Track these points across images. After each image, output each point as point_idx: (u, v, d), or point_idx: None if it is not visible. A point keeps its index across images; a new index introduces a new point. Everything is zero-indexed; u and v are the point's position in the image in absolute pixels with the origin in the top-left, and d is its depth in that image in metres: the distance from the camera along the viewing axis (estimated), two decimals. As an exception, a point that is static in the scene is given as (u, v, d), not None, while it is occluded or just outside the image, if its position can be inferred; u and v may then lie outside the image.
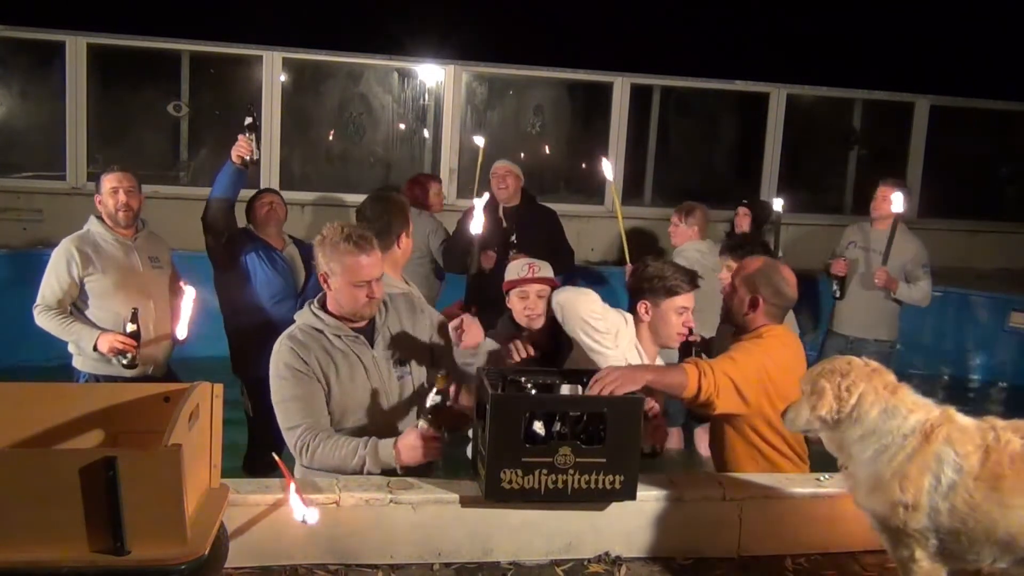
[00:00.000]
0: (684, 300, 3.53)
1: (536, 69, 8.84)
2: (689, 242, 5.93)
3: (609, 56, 9.93)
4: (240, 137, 4.52)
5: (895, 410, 2.66)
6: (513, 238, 5.40)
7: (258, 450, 4.37)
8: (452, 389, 2.99)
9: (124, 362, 4.16)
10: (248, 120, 4.51)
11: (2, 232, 7.48)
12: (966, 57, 11.84)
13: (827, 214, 8.81)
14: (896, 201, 5.57)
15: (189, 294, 3.21)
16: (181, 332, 3.20)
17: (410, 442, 2.97)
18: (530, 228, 5.77)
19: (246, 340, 4.58)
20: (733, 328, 3.74)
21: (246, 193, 4.95)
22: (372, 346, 3.19)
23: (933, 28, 12.32)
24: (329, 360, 3.11)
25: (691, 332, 4.04)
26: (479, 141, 6.57)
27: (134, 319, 4.13)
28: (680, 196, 8.01)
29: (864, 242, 5.92)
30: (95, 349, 4.19)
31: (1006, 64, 11.34)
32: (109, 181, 4.43)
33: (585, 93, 9.22)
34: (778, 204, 6.17)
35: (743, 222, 6.25)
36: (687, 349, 4.05)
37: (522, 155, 9.02)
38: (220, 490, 2.53)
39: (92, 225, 4.46)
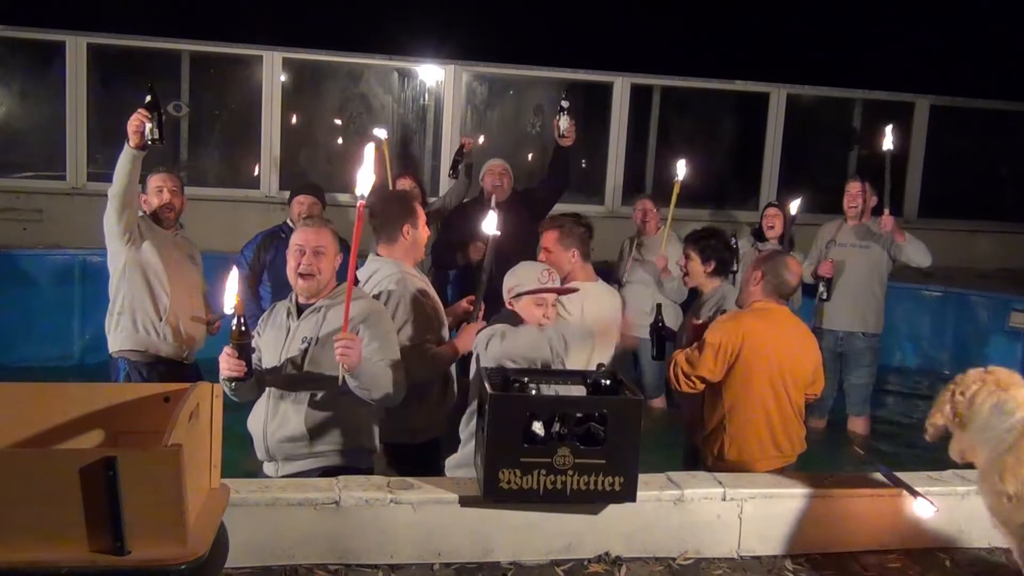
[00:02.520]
0: None
1: (536, 69, 8.83)
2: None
3: (609, 56, 9.91)
4: None
5: (1003, 406, 2.83)
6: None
7: None
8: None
9: (149, 138, 4.10)
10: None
11: (2, 232, 7.47)
12: (966, 57, 11.83)
13: (827, 214, 8.78)
14: (887, 135, 5.66)
15: (234, 273, 3.34)
16: (228, 306, 3.30)
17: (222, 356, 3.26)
18: (518, 216, 5.78)
19: None
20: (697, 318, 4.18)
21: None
22: (298, 318, 3.46)
23: (933, 28, 12.32)
24: (266, 324, 3.57)
25: (662, 324, 4.32)
26: (381, 134, 6.48)
27: (151, 92, 4.13)
28: (680, 196, 8.00)
29: (843, 239, 6.00)
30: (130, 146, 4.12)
31: (1006, 64, 11.33)
32: (154, 181, 4.54)
33: (585, 93, 9.21)
34: (795, 206, 6.17)
35: (776, 223, 6.24)
36: (659, 339, 4.32)
37: (530, 156, 9.02)
38: (220, 490, 2.54)
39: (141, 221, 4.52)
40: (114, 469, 2.03)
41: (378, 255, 3.90)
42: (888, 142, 5.62)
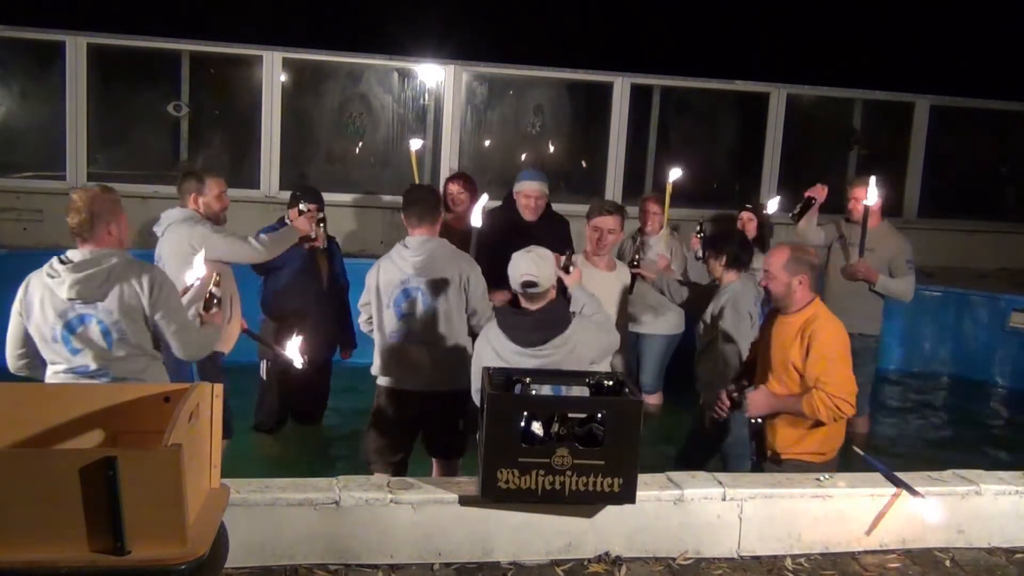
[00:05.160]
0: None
1: (536, 69, 8.82)
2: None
3: (609, 56, 9.93)
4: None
5: None
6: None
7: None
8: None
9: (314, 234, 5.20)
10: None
11: (2, 232, 7.48)
12: (966, 57, 11.84)
13: (827, 214, 8.77)
14: (870, 193, 5.56)
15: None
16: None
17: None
18: (546, 236, 5.72)
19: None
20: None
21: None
22: None
23: (933, 28, 12.33)
24: None
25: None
26: (415, 145, 6.41)
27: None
28: (680, 196, 8.01)
29: (850, 239, 5.93)
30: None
31: (1006, 64, 11.34)
32: (215, 186, 4.94)
33: (585, 93, 9.21)
34: (773, 205, 6.16)
35: (750, 227, 6.20)
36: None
37: (522, 156, 9.02)
38: (220, 490, 2.54)
39: (196, 218, 4.76)
40: (114, 469, 2.03)
41: (422, 237, 4.27)
42: (871, 197, 5.57)
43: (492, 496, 2.97)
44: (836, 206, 6.52)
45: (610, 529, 3.13)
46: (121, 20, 8.25)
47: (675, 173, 5.73)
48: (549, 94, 9.07)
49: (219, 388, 2.56)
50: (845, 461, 4.03)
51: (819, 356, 3.72)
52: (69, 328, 3.30)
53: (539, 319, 3.60)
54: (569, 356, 3.55)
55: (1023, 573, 3.33)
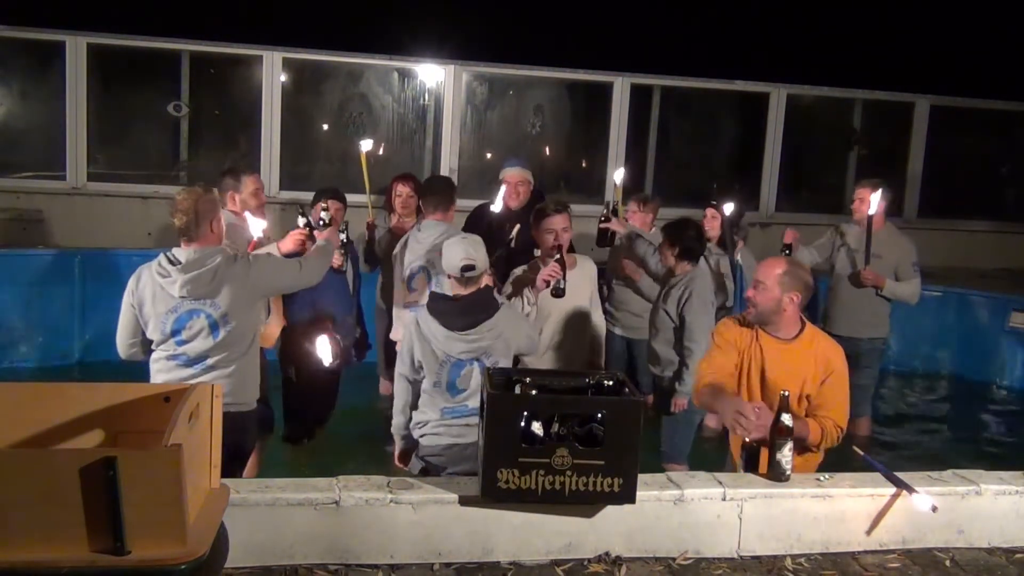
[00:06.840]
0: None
1: (536, 69, 8.83)
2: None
3: (609, 56, 9.93)
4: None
5: None
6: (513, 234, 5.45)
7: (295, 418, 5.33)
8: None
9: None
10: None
11: (2, 232, 7.47)
12: (966, 57, 11.85)
13: (827, 214, 8.81)
14: (872, 202, 5.58)
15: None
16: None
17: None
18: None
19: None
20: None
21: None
22: None
23: (933, 28, 12.33)
24: None
25: None
26: (365, 146, 6.35)
27: (304, 214, 4.64)
28: (680, 196, 8.02)
29: (854, 243, 5.91)
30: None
31: (1006, 64, 11.35)
32: (252, 183, 5.02)
33: (585, 93, 9.21)
34: (728, 208, 6.16)
35: (712, 224, 6.14)
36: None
37: (529, 156, 9.04)
38: (220, 490, 2.54)
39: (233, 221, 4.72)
40: (114, 469, 2.03)
41: (435, 221, 4.92)
42: (873, 206, 5.58)
43: (492, 496, 2.98)
44: (836, 206, 6.53)
45: (610, 529, 3.13)
46: (121, 20, 8.26)
47: (619, 175, 5.93)
48: (549, 94, 9.08)
49: (219, 388, 2.56)
50: (845, 461, 4.03)
51: (836, 386, 3.66)
52: (179, 322, 3.63)
53: (468, 304, 3.81)
54: (497, 341, 3.78)
55: (1023, 573, 3.33)
